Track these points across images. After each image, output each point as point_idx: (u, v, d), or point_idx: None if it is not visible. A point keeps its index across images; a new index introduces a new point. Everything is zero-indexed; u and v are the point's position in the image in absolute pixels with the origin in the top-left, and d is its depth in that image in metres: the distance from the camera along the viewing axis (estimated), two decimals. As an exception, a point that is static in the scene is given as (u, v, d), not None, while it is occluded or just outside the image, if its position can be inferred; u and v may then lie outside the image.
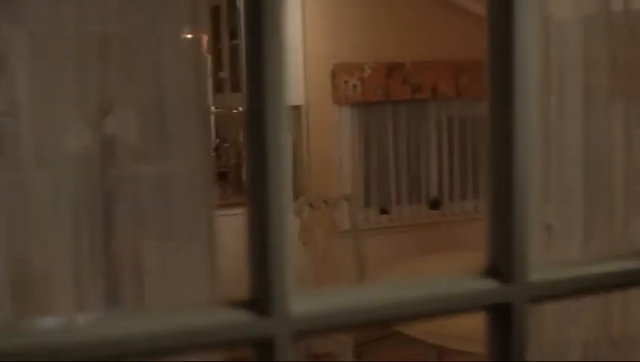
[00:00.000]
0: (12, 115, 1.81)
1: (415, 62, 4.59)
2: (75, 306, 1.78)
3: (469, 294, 0.56)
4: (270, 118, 0.47)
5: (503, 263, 0.56)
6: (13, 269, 1.78)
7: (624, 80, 2.01)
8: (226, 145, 5.84)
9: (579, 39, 1.96)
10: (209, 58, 5.79)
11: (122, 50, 1.68)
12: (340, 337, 3.40)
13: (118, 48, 1.68)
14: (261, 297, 0.49)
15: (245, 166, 0.49)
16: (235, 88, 4.68)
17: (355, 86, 4.51)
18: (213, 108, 6.04)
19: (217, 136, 6.19)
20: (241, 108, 4.80)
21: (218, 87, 5.33)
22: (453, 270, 2.67)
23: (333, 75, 4.50)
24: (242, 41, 0.47)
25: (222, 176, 5.24)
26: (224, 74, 5.06)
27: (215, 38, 5.27)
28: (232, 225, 4.27)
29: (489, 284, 0.56)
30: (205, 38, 6.09)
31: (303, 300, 0.49)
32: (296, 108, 4.54)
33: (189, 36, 1.68)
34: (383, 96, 4.58)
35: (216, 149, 6.00)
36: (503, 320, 0.57)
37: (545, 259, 0.59)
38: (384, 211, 4.79)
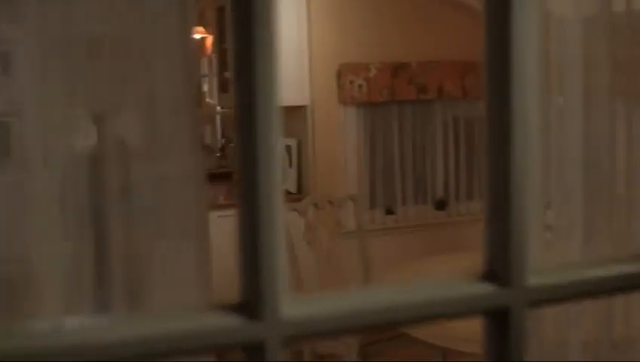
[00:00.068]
0: (17, 115, 1.81)
1: (421, 62, 4.58)
2: (75, 306, 1.78)
3: (466, 298, 0.54)
4: (260, 118, 0.46)
5: (500, 266, 0.55)
6: (15, 269, 1.78)
7: (625, 80, 1.99)
8: (232, 145, 5.84)
9: (583, 39, 1.95)
10: (213, 58, 5.79)
11: (119, 50, 1.68)
12: (346, 338, 3.39)
13: (118, 48, 1.67)
14: (251, 301, 0.48)
15: (235, 166, 0.48)
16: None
17: (360, 86, 4.50)
18: (218, 108, 6.03)
19: (223, 136, 6.19)
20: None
21: (223, 87, 5.33)
22: (459, 271, 2.66)
23: (339, 75, 4.49)
24: (231, 34, 0.46)
25: (227, 176, 5.24)
26: (229, 74, 5.05)
27: (220, 38, 5.27)
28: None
29: (486, 288, 0.55)
30: (210, 39, 6.09)
31: (295, 304, 0.48)
32: (302, 108, 4.53)
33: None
34: (388, 96, 4.57)
35: (222, 149, 6.00)
36: (501, 325, 0.55)
37: (545, 260, 0.58)
38: (390, 212, 4.78)
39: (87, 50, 1.67)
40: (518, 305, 0.55)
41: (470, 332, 2.15)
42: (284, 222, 0.48)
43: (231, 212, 4.38)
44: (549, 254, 1.94)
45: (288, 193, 4.56)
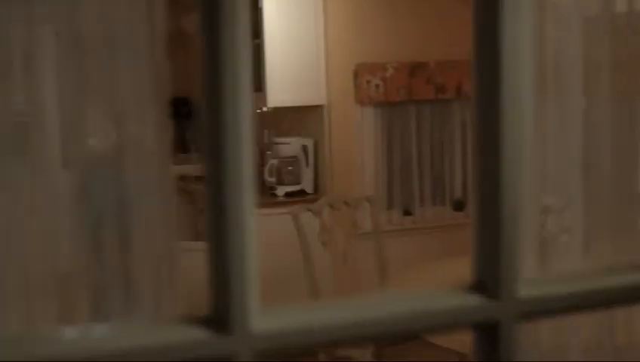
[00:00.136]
0: (36, 115, 1.80)
1: (439, 61, 4.53)
2: (97, 305, 1.77)
3: (453, 311, 0.52)
4: (229, 124, 0.44)
5: (489, 277, 0.52)
6: (35, 269, 1.78)
7: (625, 81, 1.95)
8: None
9: (591, 38, 1.90)
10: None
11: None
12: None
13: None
14: (221, 313, 0.46)
15: (204, 172, 0.45)
16: (257, 88, 4.66)
17: (377, 86, 4.46)
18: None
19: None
20: (264, 108, 4.77)
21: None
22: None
23: (356, 74, 4.46)
24: (200, 31, 0.44)
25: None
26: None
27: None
28: (255, 225, 4.26)
29: (474, 300, 0.52)
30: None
31: (266, 317, 0.46)
32: (319, 107, 4.51)
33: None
34: (405, 96, 4.53)
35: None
36: (490, 339, 0.53)
37: (540, 269, 0.55)
38: (407, 213, 4.74)
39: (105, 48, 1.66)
40: (507, 318, 0.52)
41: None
42: (253, 229, 0.45)
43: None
44: (567, 260, 1.89)
45: (305, 193, 4.53)
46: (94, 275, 1.76)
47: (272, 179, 4.56)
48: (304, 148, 4.56)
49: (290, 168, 4.54)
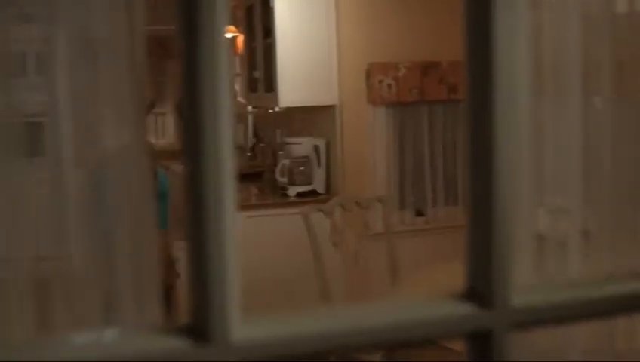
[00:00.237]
0: (51, 115, 1.81)
1: (451, 61, 4.50)
2: (111, 303, 1.77)
3: (444, 320, 0.50)
4: (207, 128, 0.42)
5: (481, 284, 0.50)
6: (49, 267, 1.78)
7: (626, 81, 1.92)
8: (262, 144, 5.82)
9: (602, 37, 1.88)
10: (242, 57, 5.78)
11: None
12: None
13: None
14: (200, 322, 0.44)
15: (183, 179, 0.44)
16: (269, 88, 4.65)
17: (389, 85, 4.44)
18: (249, 107, 6.02)
19: (254, 136, 6.17)
20: (276, 108, 4.77)
21: (252, 86, 5.31)
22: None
23: (368, 74, 4.44)
24: (179, 36, 0.43)
25: (257, 176, 5.22)
26: (258, 73, 5.03)
27: (250, 37, 5.25)
28: (266, 225, 4.25)
29: (466, 309, 0.50)
30: (241, 38, 6.07)
31: (247, 326, 0.44)
32: (331, 107, 4.49)
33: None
34: (418, 96, 4.50)
35: (252, 149, 5.98)
36: (483, 348, 0.51)
37: (536, 275, 0.54)
38: (420, 213, 4.71)
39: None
40: (500, 327, 0.50)
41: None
42: (234, 234, 0.44)
43: (261, 212, 4.35)
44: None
45: (317, 193, 4.52)
46: (107, 278, 1.75)
47: (284, 179, 4.55)
48: (316, 148, 4.54)
49: (301, 168, 4.52)
